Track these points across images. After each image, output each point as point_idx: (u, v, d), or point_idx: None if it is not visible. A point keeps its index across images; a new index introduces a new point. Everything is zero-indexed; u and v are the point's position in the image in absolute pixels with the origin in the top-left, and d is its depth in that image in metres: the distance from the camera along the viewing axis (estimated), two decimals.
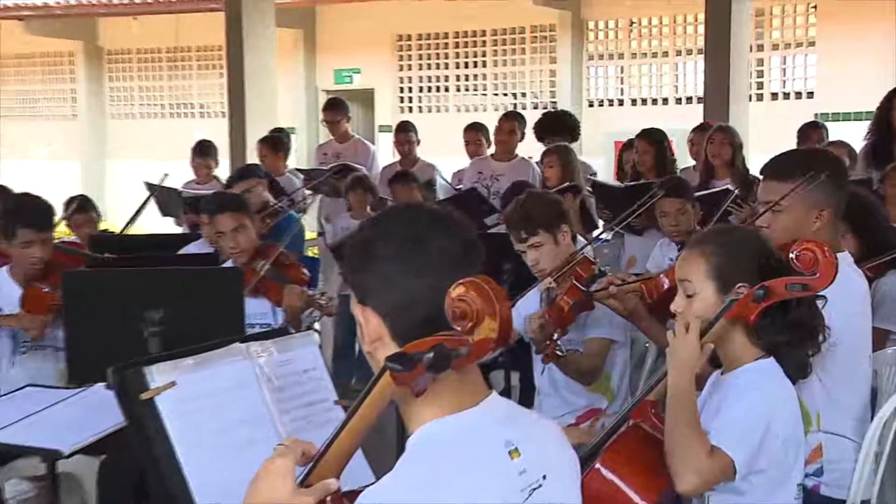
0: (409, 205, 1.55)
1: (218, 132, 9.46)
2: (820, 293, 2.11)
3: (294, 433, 1.60)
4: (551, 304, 2.95)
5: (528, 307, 3.14)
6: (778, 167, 2.66)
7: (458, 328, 1.27)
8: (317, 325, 4.08)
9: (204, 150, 6.71)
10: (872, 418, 2.50)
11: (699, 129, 6.22)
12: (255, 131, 8.60)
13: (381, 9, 12.93)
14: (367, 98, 13.79)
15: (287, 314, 3.62)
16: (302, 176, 6.74)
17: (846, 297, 2.39)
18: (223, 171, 7.16)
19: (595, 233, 5.25)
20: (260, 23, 9.49)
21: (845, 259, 2.50)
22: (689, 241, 2.22)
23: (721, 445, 1.94)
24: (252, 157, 7.75)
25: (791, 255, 2.10)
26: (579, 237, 4.03)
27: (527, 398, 3.57)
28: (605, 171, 10.58)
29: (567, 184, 5.21)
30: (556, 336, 2.88)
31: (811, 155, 2.60)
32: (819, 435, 2.47)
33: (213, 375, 1.67)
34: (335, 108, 7.30)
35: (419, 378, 1.25)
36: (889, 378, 2.71)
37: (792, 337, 2.06)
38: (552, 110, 7.20)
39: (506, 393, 3.81)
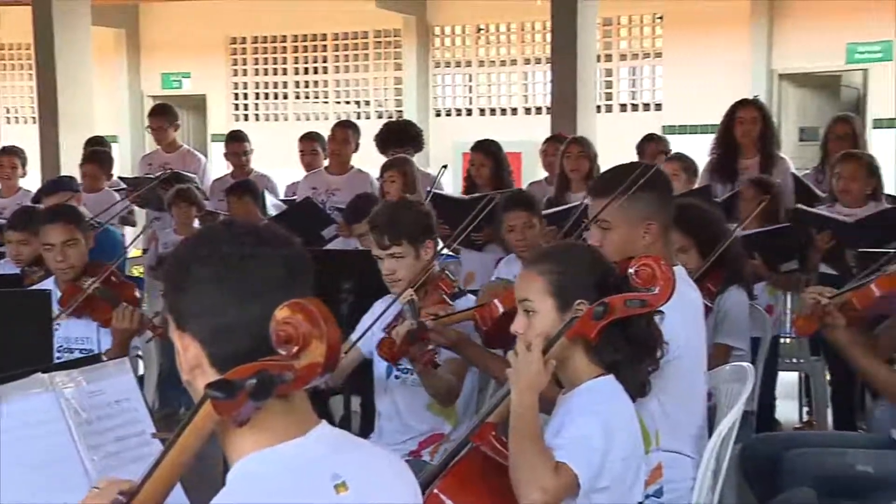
0: (231, 222, 1.52)
1: (27, 139, 9.08)
2: (658, 308, 2.22)
3: (105, 470, 1.56)
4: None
5: (383, 324, 3.16)
6: (601, 184, 2.79)
7: (284, 353, 1.28)
8: (139, 352, 3.97)
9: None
10: (710, 435, 2.64)
11: (552, 140, 6.41)
12: (70, 139, 8.31)
13: (213, 9, 12.73)
14: (198, 104, 13.53)
15: (115, 336, 3.49)
16: (124, 187, 6.55)
17: (682, 313, 2.53)
18: (33, 181, 6.88)
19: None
20: (74, 20, 9.18)
21: (680, 274, 2.65)
22: (526, 260, 2.30)
23: (565, 461, 2.02)
24: (67, 168, 7.48)
25: (630, 271, 2.20)
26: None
27: (369, 424, 3.58)
28: (452, 183, 10.75)
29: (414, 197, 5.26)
30: (431, 346, 2.89)
31: (630, 169, 2.74)
32: (659, 454, 2.59)
33: (10, 411, 1.61)
34: (161, 114, 7.13)
35: (242, 407, 1.24)
36: (727, 394, 2.88)
37: (631, 353, 2.16)
38: (394, 120, 7.25)
39: (346, 419, 3.81)
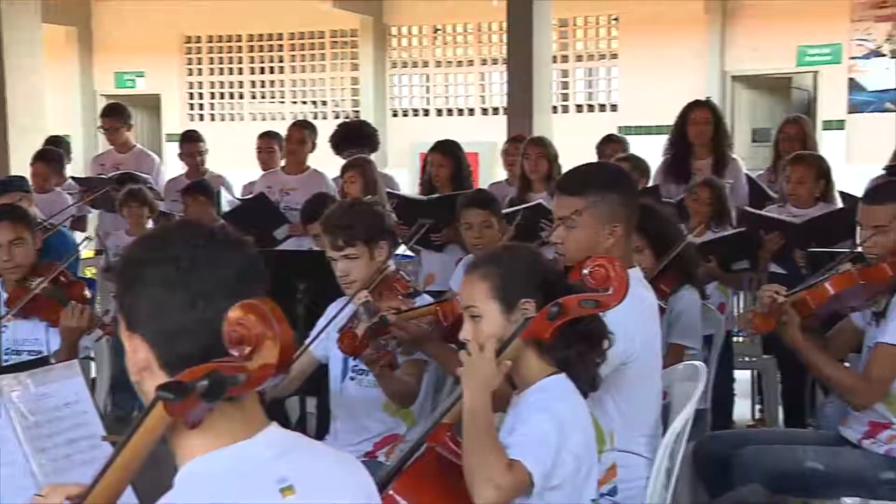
0: (183, 223, 1.52)
1: None
2: (612, 308, 2.24)
3: (54, 473, 1.54)
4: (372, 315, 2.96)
5: (338, 325, 3.15)
6: (568, 182, 2.80)
7: (236, 354, 1.27)
8: (91, 353, 3.92)
9: None
10: (664, 434, 2.67)
11: (513, 141, 6.44)
12: (20, 139, 8.19)
13: (167, 7, 12.63)
14: (152, 104, 13.41)
15: (64, 336, 3.43)
16: (78, 187, 6.47)
17: (638, 314, 2.56)
18: None
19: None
20: (24, 17, 9.04)
21: (636, 275, 2.67)
22: (468, 267, 2.31)
23: (518, 459, 2.03)
24: (16, 168, 7.37)
25: (584, 272, 2.21)
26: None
27: (325, 425, 3.57)
28: (410, 183, 10.76)
29: (367, 198, 5.26)
30: (390, 346, 2.88)
31: (598, 168, 2.76)
32: (613, 454, 2.62)
33: None
34: (114, 114, 7.06)
35: (193, 408, 1.24)
36: (680, 393, 2.90)
37: (580, 349, 2.18)
38: (349, 120, 7.24)
39: (302, 421, 3.80)
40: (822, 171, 4.87)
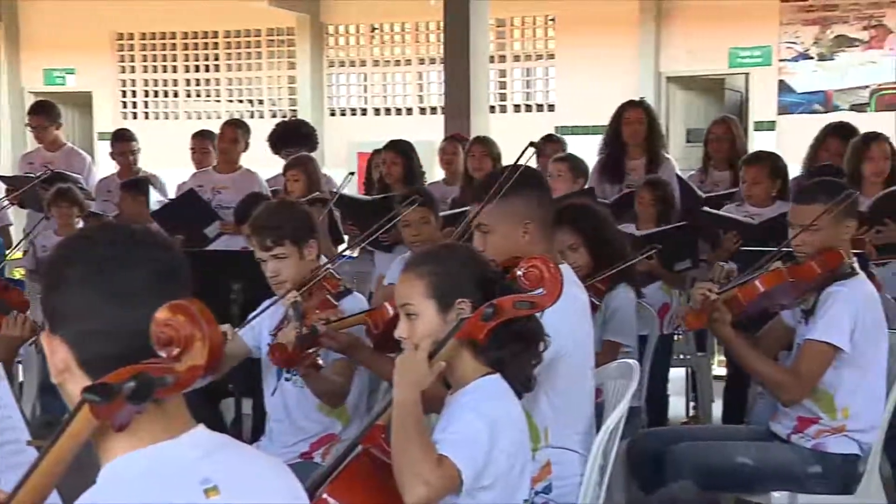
0: (109, 223, 1.51)
1: None
2: (547, 308, 2.26)
3: None
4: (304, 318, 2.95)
5: (270, 325, 3.14)
6: (478, 189, 2.84)
7: (164, 355, 1.26)
8: (20, 358, 3.84)
9: None
10: (598, 432, 2.70)
11: (451, 140, 6.45)
12: None
13: (98, 4, 12.40)
14: (83, 102, 13.17)
15: (4, 345, 3.32)
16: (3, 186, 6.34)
17: (569, 312, 2.58)
18: None
19: (340, 248, 5.30)
20: None
21: (567, 272, 2.70)
22: (405, 265, 2.31)
23: (448, 457, 2.04)
24: None
25: (518, 273, 2.23)
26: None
27: (261, 426, 3.55)
28: (350, 183, 10.70)
29: (314, 195, 5.25)
30: (312, 349, 2.87)
31: (499, 172, 2.79)
32: (547, 451, 2.65)
33: None
34: (41, 112, 6.92)
35: (120, 410, 1.22)
36: (614, 391, 2.94)
37: (515, 350, 2.20)
38: (287, 119, 7.19)
39: (238, 422, 3.77)
40: (776, 171, 4.92)
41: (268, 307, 3.11)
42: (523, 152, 2.87)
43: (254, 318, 3.14)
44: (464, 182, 5.69)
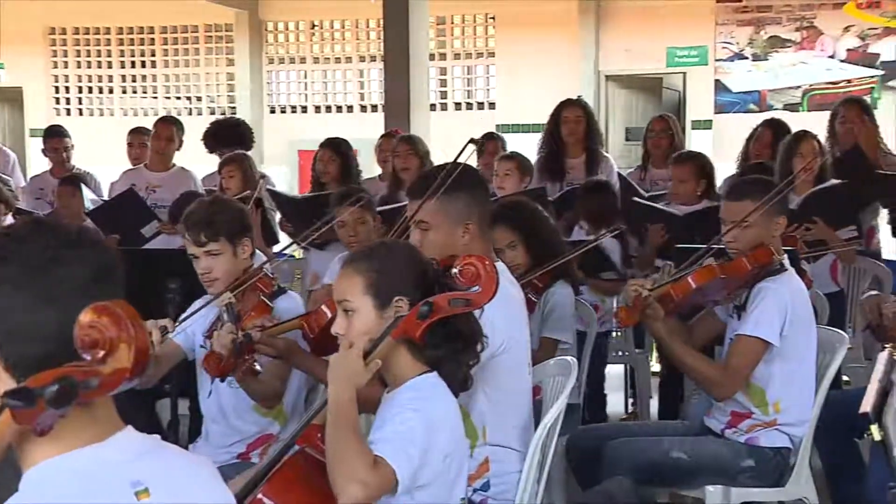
0: (37, 222, 1.46)
1: None
2: (482, 306, 2.26)
3: None
4: (238, 321, 2.92)
5: (203, 326, 3.10)
6: (417, 185, 2.83)
7: (89, 358, 1.23)
8: None
9: None
10: (536, 429, 2.71)
11: (387, 138, 6.43)
12: None
13: None
14: (14, 97, 12.92)
15: None
16: None
17: (505, 309, 2.59)
18: None
19: (276, 248, 5.27)
20: None
21: (502, 270, 2.71)
22: (344, 261, 2.30)
23: (384, 456, 2.03)
24: None
25: (454, 271, 2.23)
26: (259, 252, 4.03)
27: (197, 427, 3.50)
28: (288, 181, 10.64)
29: (245, 193, 5.19)
30: (248, 356, 2.84)
31: (440, 170, 2.78)
32: (486, 448, 2.65)
33: None
34: None
35: (42, 415, 1.19)
36: (552, 388, 2.96)
37: (452, 349, 2.19)
38: (223, 118, 7.12)
39: (174, 423, 3.72)
40: (702, 170, 4.99)
41: (200, 309, 3.07)
42: (463, 150, 2.87)
43: (185, 319, 3.08)
44: (390, 180, 5.68)
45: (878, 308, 3.30)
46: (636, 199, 5.00)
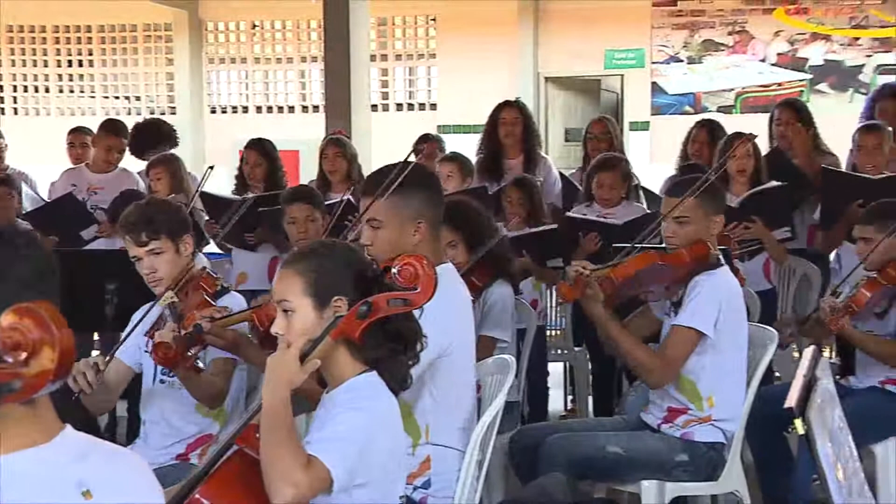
0: None
1: None
2: (421, 306, 2.25)
3: None
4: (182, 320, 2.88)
5: (145, 328, 3.05)
6: (371, 182, 2.82)
7: (11, 360, 1.21)
8: None
9: None
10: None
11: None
12: None
13: None
14: None
15: None
16: None
17: (452, 309, 2.59)
18: None
19: (207, 248, 5.22)
20: None
21: (448, 270, 2.70)
22: (283, 261, 2.28)
23: (319, 456, 2.01)
24: None
25: (393, 271, 2.21)
26: (200, 255, 3.98)
27: (135, 428, 3.46)
28: (228, 181, 10.53)
29: (173, 196, 5.13)
30: (192, 350, 2.80)
31: (401, 168, 2.77)
32: (427, 447, 2.65)
33: None
34: None
35: None
36: (491, 386, 2.96)
37: (392, 349, 2.18)
38: (143, 121, 7.00)
39: (112, 424, 3.67)
40: (625, 175, 5.08)
41: (140, 320, 3.02)
42: (412, 150, 2.86)
43: (128, 335, 3.04)
44: (319, 182, 5.66)
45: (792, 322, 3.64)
46: (570, 213, 5.05)
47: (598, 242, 4.73)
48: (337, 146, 5.67)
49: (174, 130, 6.56)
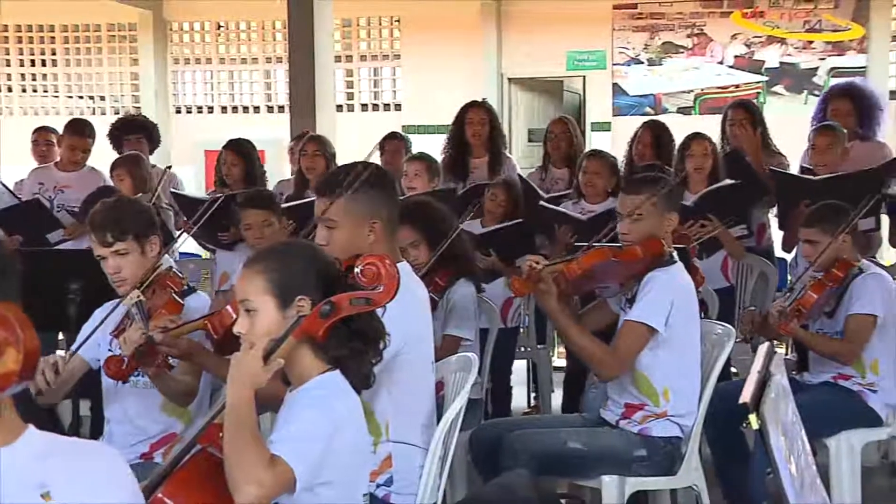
0: None
1: None
2: (383, 306, 2.26)
3: None
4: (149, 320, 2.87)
5: (111, 326, 3.03)
6: (325, 183, 2.82)
7: None
8: None
9: None
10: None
11: (300, 139, 6.38)
12: None
13: None
14: None
15: None
16: None
17: (409, 308, 2.59)
18: None
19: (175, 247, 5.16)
20: None
21: (406, 270, 2.71)
22: (246, 261, 2.28)
23: (282, 456, 2.01)
24: None
25: (356, 271, 2.22)
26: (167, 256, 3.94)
27: (99, 428, 3.43)
28: (194, 181, 10.46)
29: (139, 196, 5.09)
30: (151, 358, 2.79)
31: (353, 168, 2.77)
32: (389, 445, 2.65)
33: None
34: None
35: None
36: (454, 383, 2.97)
37: (354, 348, 2.19)
38: (122, 117, 6.96)
39: (75, 425, 3.63)
40: (613, 169, 5.11)
41: (104, 319, 2.99)
42: (373, 151, 2.86)
43: (91, 333, 3.01)
44: (297, 180, 5.64)
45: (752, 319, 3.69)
46: (543, 203, 5.06)
47: (572, 236, 4.75)
48: (317, 144, 5.66)
49: (155, 126, 6.52)
